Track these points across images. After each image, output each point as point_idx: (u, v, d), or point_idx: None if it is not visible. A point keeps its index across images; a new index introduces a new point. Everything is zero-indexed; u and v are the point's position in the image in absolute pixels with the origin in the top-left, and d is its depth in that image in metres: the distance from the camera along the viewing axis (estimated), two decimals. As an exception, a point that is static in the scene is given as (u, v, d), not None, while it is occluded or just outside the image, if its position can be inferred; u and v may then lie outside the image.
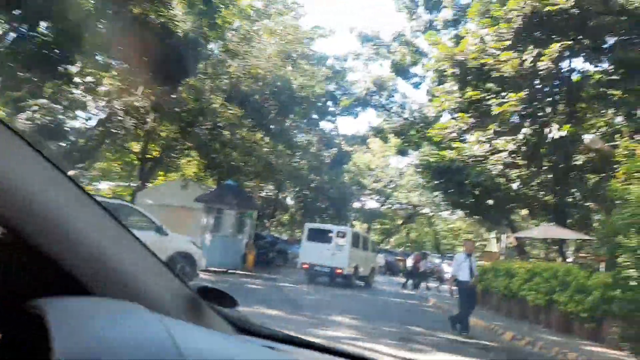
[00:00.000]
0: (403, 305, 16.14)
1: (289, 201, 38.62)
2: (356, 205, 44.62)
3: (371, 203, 47.63)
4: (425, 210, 47.04)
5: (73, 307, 0.78)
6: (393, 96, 32.92)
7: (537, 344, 9.91)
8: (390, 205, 48.16)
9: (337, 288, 17.49)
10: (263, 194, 34.91)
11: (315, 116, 31.21)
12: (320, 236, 18.48)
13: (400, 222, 50.02)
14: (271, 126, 24.09)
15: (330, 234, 18.46)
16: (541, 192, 19.15)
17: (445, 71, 19.99)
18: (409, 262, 24.70)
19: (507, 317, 13.99)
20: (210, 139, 22.15)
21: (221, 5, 19.68)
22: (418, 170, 23.63)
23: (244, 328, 1.21)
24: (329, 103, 32.83)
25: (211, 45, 21.90)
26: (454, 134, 20.07)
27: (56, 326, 0.67)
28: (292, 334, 1.41)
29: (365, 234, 24.80)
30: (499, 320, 12.97)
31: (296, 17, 27.06)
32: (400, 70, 30.30)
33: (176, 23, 17.47)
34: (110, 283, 0.90)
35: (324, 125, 34.27)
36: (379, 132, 32.58)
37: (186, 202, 21.14)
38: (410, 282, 22.85)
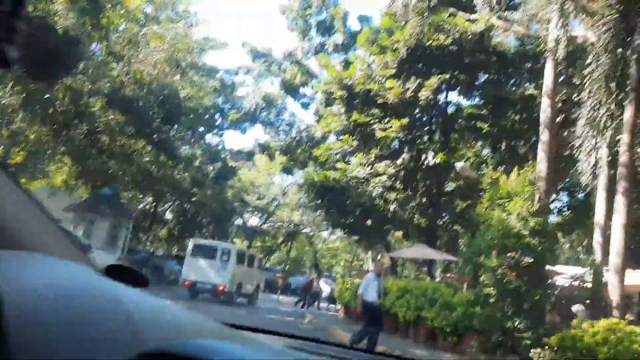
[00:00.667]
0: (280, 322, 16.14)
1: (168, 215, 37.24)
2: (238, 221, 44.14)
3: (253, 220, 47.43)
4: (307, 229, 47.72)
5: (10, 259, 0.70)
6: (282, 114, 33.38)
7: (405, 357, 10.39)
8: (272, 223, 48.23)
9: (217, 305, 17.08)
10: (140, 206, 33.34)
11: (201, 128, 30.61)
12: (204, 252, 18.10)
13: (281, 240, 50.23)
14: (154, 135, 23.20)
15: (215, 251, 18.10)
16: (415, 215, 20.31)
17: (334, 94, 20.66)
18: (303, 281, 24.64)
19: (380, 332, 14.52)
20: (86, 145, 20.79)
21: (107, 5, 18.75)
22: (302, 189, 24.01)
23: None
24: (217, 116, 32.40)
25: (94, 46, 20.71)
26: (339, 155, 20.73)
27: None
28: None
29: (252, 252, 24.52)
30: (372, 336, 13.42)
31: (187, 26, 26.52)
32: (290, 89, 30.82)
33: (56, 19, 16.33)
34: (5, 242, 0.82)
35: (210, 138, 33.75)
36: (265, 149, 32.71)
37: (51, 213, 19.58)
38: (305, 301, 22.77)
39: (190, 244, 19.23)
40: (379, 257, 27.03)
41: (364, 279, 10.90)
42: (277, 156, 32.77)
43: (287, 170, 32.90)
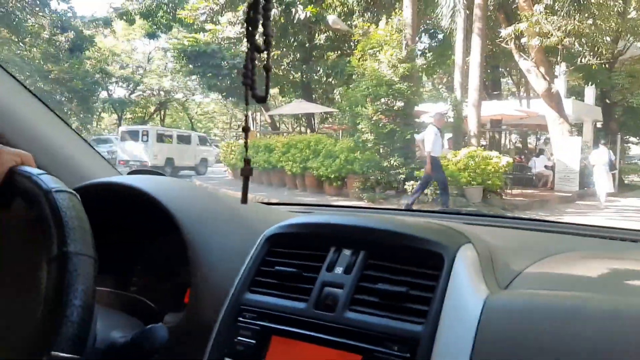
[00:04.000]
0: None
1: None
2: (103, 95, 41.40)
3: (120, 91, 44.66)
4: (179, 95, 46.16)
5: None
6: (136, -26, 30.14)
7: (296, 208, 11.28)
8: (141, 93, 45.87)
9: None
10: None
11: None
12: (130, 136, 20.98)
13: (153, 109, 48.34)
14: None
15: (137, 133, 21.00)
16: (291, 71, 20.54)
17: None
18: None
19: (269, 187, 15.39)
20: None
21: None
22: (173, 55, 22.92)
23: None
24: (61, -20, 28.64)
25: None
26: (206, 16, 19.77)
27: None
28: None
29: (186, 131, 26.21)
30: (262, 191, 14.23)
31: None
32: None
33: None
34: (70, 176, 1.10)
35: (57, 6, 30.04)
36: (123, 14, 29.95)
37: None
38: None
39: (119, 130, 22.72)
40: (260, 115, 27.32)
41: (429, 134, 9.55)
42: (138, 20, 30.29)
43: (150, 35, 30.73)
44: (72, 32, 29.38)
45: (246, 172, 0.66)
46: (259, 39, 0.63)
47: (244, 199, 0.68)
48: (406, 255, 0.86)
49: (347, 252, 0.89)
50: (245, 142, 0.67)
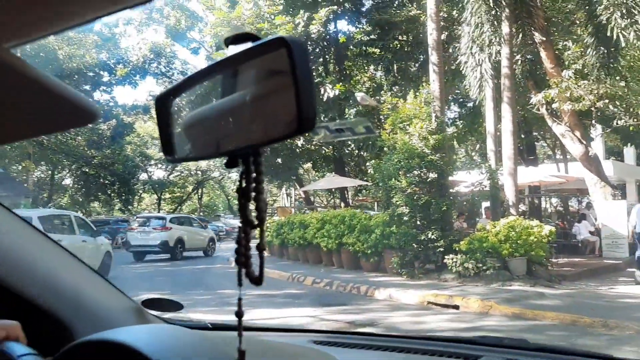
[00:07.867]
0: (209, 270, 16.34)
1: (67, 181, 35.37)
2: (143, 177, 42.80)
3: (159, 173, 46.13)
4: (215, 173, 47.35)
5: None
6: (173, 63, 32.00)
7: (334, 284, 11.05)
8: (179, 173, 47.26)
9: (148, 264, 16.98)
10: (35, 177, 31.40)
11: (87, 87, 28.79)
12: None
13: (191, 188, 49.56)
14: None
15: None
16: (322, 146, 20.84)
17: (223, 36, 20.11)
18: None
19: (305, 264, 15.18)
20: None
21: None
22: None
23: (190, 327, 1.36)
24: (103, 73, 30.51)
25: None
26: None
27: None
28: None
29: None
30: (298, 269, 14.02)
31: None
32: (176, 35, 29.53)
33: None
34: (84, 315, 1.01)
35: (99, 96, 31.89)
36: (162, 101, 31.46)
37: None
38: None
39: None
40: (294, 191, 27.53)
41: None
42: (175, 106, 31.70)
43: (187, 118, 32.02)
44: (114, 119, 30.89)
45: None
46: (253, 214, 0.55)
47: None
48: None
49: None
50: (240, 331, 0.58)
